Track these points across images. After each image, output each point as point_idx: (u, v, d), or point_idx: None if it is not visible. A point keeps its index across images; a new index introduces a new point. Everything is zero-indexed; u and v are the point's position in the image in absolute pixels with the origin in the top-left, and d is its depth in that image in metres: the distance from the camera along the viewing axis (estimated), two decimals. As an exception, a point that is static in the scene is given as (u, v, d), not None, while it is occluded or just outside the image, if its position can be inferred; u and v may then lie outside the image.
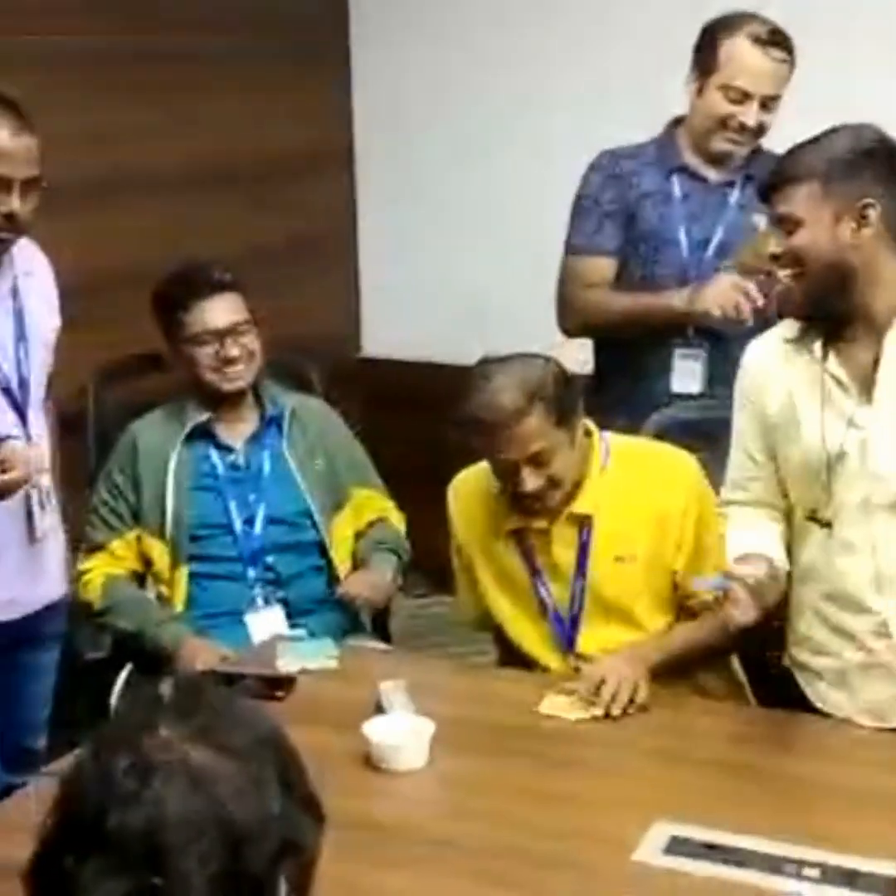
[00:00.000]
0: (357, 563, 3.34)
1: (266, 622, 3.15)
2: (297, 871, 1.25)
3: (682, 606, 2.78)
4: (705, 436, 3.12)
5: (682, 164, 3.40)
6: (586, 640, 2.76)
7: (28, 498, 2.83)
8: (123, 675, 3.16)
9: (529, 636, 2.80)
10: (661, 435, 3.10)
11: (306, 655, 2.84)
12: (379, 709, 2.50)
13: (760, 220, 3.31)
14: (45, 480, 2.89)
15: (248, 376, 3.27)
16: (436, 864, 2.10)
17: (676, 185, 3.39)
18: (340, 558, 3.31)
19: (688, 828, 2.15)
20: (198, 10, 4.21)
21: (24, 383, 2.84)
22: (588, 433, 2.75)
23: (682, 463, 2.79)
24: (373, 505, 3.43)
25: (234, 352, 3.23)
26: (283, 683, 2.68)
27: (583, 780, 2.37)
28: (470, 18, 4.63)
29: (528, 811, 2.25)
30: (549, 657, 2.78)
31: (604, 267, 3.41)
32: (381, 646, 3.32)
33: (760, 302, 3.14)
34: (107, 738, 1.25)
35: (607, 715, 2.53)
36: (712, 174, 3.39)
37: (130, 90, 4.01)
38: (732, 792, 2.30)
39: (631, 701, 2.54)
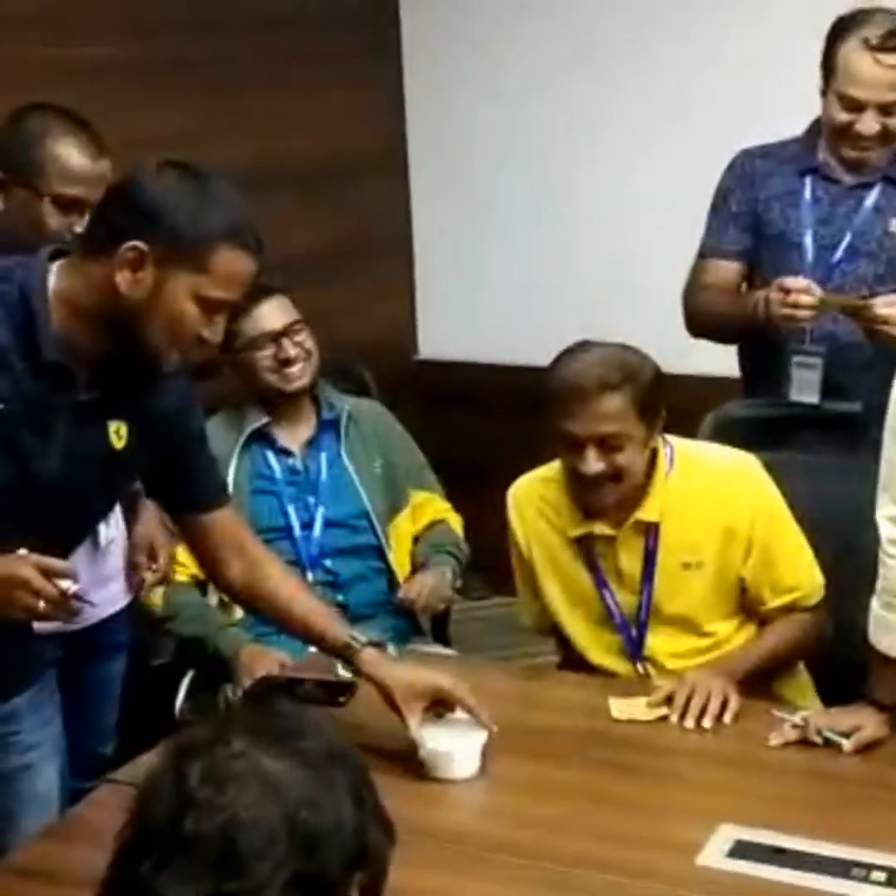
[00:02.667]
0: (415, 567, 3.35)
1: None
2: (369, 882, 1.26)
3: (754, 612, 2.77)
4: (763, 433, 3.09)
5: (815, 165, 3.20)
6: (654, 647, 2.75)
7: None
8: (186, 681, 3.19)
9: (594, 643, 2.79)
10: (718, 434, 3.07)
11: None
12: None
13: None
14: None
15: (308, 375, 3.29)
16: (493, 870, 2.10)
17: (808, 187, 3.20)
18: (399, 561, 3.32)
19: (753, 831, 2.14)
20: (247, 13, 4.22)
21: None
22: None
23: (748, 469, 2.75)
24: (431, 507, 3.43)
25: (292, 351, 3.26)
26: (344, 689, 2.67)
27: (645, 784, 2.36)
28: (523, 18, 4.61)
29: (590, 816, 2.24)
30: (614, 663, 2.77)
31: (724, 270, 3.26)
32: (443, 650, 3.32)
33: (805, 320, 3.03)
34: (180, 748, 1.27)
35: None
36: (847, 177, 3.19)
37: (180, 94, 4.02)
38: (798, 796, 2.29)
39: (721, 712, 2.50)
